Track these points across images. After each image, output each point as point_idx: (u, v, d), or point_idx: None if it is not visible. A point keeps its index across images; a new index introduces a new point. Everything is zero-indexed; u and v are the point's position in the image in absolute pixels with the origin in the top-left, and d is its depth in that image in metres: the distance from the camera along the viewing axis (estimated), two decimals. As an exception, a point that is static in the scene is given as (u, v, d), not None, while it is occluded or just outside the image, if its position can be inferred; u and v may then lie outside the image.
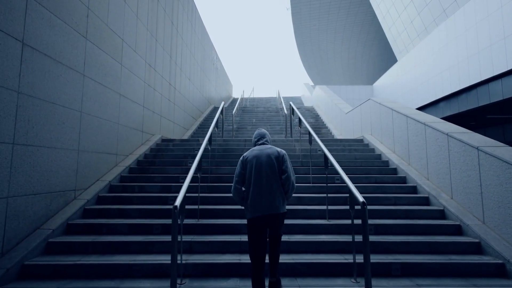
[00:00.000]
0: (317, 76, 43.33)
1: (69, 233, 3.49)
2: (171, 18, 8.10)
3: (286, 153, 2.64)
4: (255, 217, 2.42)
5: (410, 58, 17.11)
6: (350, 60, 39.74)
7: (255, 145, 2.75)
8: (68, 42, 3.81)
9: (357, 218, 3.54)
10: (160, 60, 7.18)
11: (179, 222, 2.50)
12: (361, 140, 7.04)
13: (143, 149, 5.97)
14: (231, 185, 4.61)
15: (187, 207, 3.94)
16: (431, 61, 14.27)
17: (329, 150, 6.34)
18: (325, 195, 4.42)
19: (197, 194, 4.06)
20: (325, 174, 5.08)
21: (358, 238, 3.25)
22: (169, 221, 3.67)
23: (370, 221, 3.71)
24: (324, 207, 4.07)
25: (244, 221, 3.69)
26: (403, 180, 5.03)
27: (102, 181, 4.49)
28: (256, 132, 2.85)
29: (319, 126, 10.60)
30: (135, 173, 5.20)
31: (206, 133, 8.66)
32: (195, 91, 10.72)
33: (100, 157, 4.57)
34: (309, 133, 5.01)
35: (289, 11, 34.15)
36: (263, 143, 2.72)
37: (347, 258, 3.08)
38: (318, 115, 12.24)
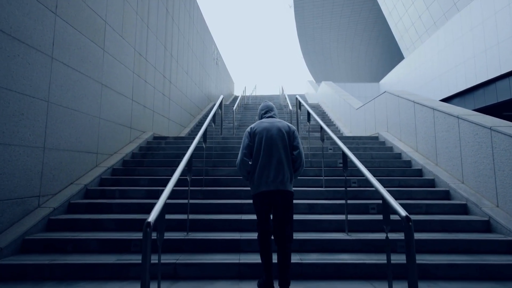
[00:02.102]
0: (320, 75, 42.66)
1: (24, 252, 2.79)
2: (166, 5, 7.40)
3: (296, 129, 2.49)
4: (261, 193, 2.26)
5: (419, 53, 16.33)
6: (353, 58, 39.07)
7: (261, 118, 2.61)
8: (29, 15, 3.11)
9: (393, 231, 2.87)
10: (152, 49, 6.48)
11: (153, 237, 1.80)
12: (376, 138, 6.30)
13: (131, 147, 5.27)
14: (230, 189, 3.92)
15: (174, 217, 3.23)
16: (443, 56, 13.49)
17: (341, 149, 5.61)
18: (341, 201, 3.70)
19: (186, 201, 3.35)
20: (339, 176, 4.39)
21: (393, 260, 2.54)
22: (152, 234, 2.96)
23: (401, 235, 2.98)
24: (341, 217, 3.35)
25: (246, 236, 2.98)
26: (432, 183, 4.30)
27: (76, 184, 3.80)
28: (262, 105, 2.66)
29: (326, 123, 9.86)
30: (118, 175, 4.50)
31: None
32: (194, 86, 10.02)
33: (75, 157, 3.87)
34: (321, 129, 4.29)
35: (292, 9, 33.48)
36: (271, 116, 2.57)
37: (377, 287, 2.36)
38: (325, 112, 11.51)
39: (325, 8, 31.88)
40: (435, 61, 14.32)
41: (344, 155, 3.21)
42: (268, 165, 2.27)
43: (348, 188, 4.08)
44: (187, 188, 3.95)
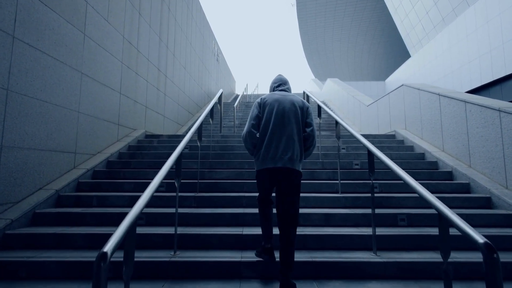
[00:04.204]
0: (322, 74, 42.14)
1: (-38, 279, 2.18)
2: (161, -8, 6.81)
3: (310, 106, 2.30)
4: (266, 169, 2.07)
5: (429, 49, 15.67)
6: (356, 58, 38.56)
7: (274, 90, 2.38)
8: (-20, -18, 2.51)
9: (425, 250, 2.21)
10: (145, 39, 5.89)
11: (119, 259, 1.19)
12: (392, 136, 5.67)
13: (118, 146, 4.66)
14: (230, 195, 3.30)
15: (159, 231, 2.61)
16: (456, 51, 12.82)
17: (355, 149, 4.99)
18: (362, 210, 3.07)
19: (174, 210, 2.74)
20: (357, 180, 3.72)
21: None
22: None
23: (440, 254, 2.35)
24: (365, 231, 2.72)
25: (248, 256, 2.35)
26: (467, 188, 3.66)
27: (45, 190, 3.19)
28: (276, 77, 2.43)
29: (333, 122, 9.23)
30: (100, 178, 3.89)
31: (204, 130, 7.37)
32: (193, 82, 9.42)
33: (46, 157, 3.27)
34: (337, 124, 3.67)
35: (295, 7, 32.99)
36: (284, 90, 2.34)
37: (430, 336, 1.73)
38: (331, 110, 10.87)
39: (328, 6, 31.41)
40: (446, 57, 13.66)
41: (370, 154, 2.58)
42: (277, 139, 2.08)
43: (368, 195, 3.45)
44: (175, 194, 3.34)
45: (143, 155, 4.60)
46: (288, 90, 2.36)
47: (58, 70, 3.45)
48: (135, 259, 2.23)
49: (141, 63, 5.74)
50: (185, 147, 4.84)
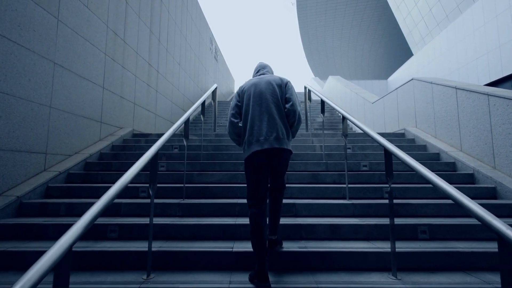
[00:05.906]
0: (323, 73, 41.79)
1: None
2: (152, -19, 6.36)
3: (290, 81, 2.19)
4: (254, 153, 1.93)
5: (432, 47, 15.23)
6: (356, 57, 38.21)
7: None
8: None
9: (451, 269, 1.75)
10: (133, 30, 5.44)
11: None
12: (401, 134, 5.21)
13: (100, 146, 4.21)
14: (220, 202, 2.86)
15: (133, 247, 2.15)
16: (462, 48, 12.37)
17: (362, 148, 4.54)
18: (375, 220, 2.61)
19: (163, 220, 2.26)
20: (366, 184, 3.24)
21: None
22: (93, 279, 1.89)
23: (474, 277, 1.89)
24: (381, 246, 2.26)
25: (237, 281, 1.90)
26: (493, 193, 3.20)
27: (5, 196, 2.74)
28: (256, 65, 2.37)
29: (335, 120, 8.78)
30: (75, 182, 3.44)
31: (199, 129, 6.89)
32: (188, 80, 8.97)
33: (6, 158, 2.81)
34: (343, 119, 3.21)
35: (295, 6, 32.64)
36: (263, 73, 2.28)
37: None
38: (333, 109, 10.42)
39: (328, 6, 31.11)
40: (452, 54, 13.21)
41: (388, 154, 2.13)
42: (258, 122, 2.00)
43: (381, 201, 2.99)
44: (163, 200, 2.88)
45: (127, 155, 4.15)
46: (267, 73, 2.27)
47: (23, 58, 3.00)
48: (95, 286, 1.78)
49: (129, 56, 5.29)
50: (174, 147, 4.39)
